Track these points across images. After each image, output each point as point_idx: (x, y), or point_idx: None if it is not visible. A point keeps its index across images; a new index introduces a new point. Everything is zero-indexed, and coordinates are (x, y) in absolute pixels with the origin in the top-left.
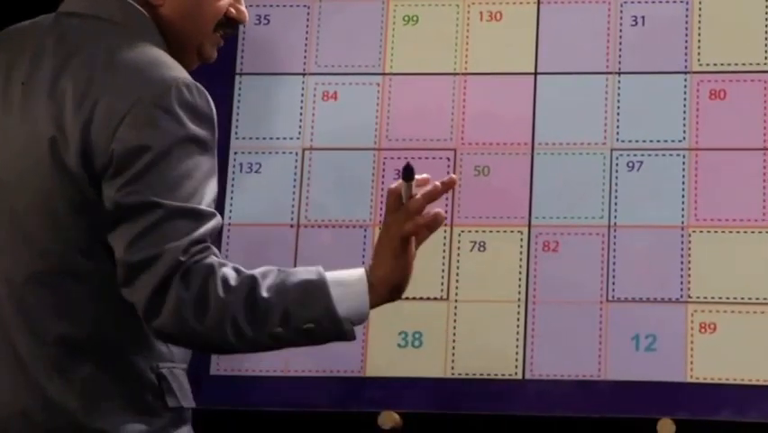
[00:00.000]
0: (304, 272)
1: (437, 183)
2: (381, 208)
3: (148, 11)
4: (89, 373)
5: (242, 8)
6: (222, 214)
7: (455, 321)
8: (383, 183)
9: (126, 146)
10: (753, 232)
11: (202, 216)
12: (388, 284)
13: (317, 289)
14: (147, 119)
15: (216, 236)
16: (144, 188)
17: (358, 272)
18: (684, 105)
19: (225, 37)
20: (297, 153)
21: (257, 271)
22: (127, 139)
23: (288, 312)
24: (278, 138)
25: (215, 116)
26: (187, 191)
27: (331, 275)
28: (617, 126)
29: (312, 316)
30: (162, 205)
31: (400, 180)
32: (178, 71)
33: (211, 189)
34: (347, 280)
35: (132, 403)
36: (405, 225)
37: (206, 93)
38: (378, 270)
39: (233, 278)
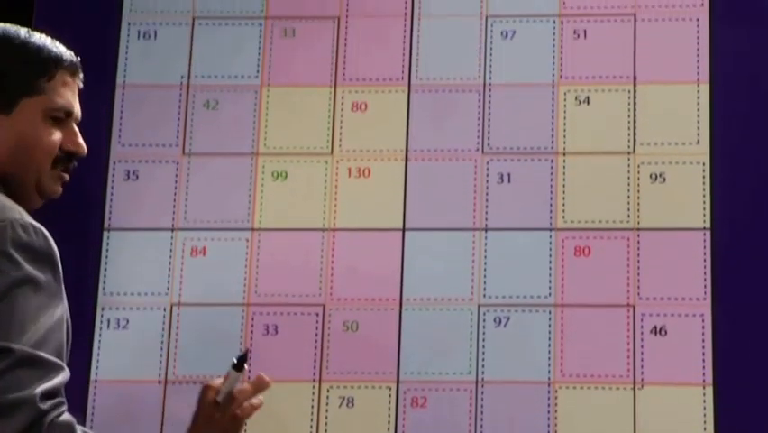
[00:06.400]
0: None
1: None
2: (250, 364)
3: None
4: None
5: (79, 140)
6: (88, 370)
7: None
8: (252, 339)
9: None
10: (618, 388)
11: (52, 367)
12: None
13: None
14: None
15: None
16: None
17: None
18: (550, 262)
19: (67, 172)
20: (165, 309)
21: None
22: None
23: None
24: (146, 293)
25: (57, 255)
26: (32, 336)
27: None
28: (484, 282)
29: None
30: (12, 350)
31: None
32: (13, 211)
33: (55, 336)
34: None
35: None
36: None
37: (45, 232)
38: None
39: None
